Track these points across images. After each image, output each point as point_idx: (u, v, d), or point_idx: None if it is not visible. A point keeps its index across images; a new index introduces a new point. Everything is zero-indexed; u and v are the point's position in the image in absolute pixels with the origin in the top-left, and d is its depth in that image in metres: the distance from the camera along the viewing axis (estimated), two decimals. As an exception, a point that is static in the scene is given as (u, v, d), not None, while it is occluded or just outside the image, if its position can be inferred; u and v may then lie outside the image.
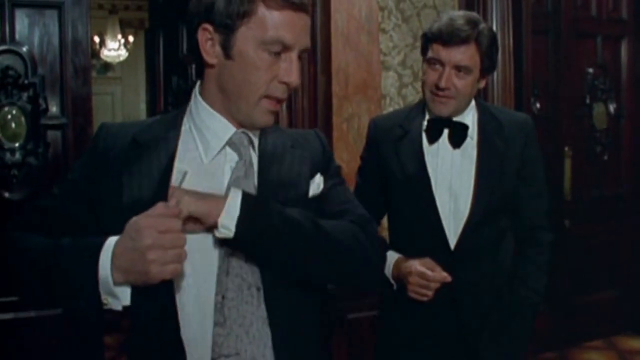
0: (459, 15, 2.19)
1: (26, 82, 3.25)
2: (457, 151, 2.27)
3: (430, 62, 2.21)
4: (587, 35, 4.77)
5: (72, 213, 1.46)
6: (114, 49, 10.78)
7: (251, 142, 1.50)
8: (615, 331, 4.83)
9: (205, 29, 1.38)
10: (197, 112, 1.48)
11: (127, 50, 10.93)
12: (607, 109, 4.86)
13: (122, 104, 12.09)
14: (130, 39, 10.93)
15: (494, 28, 3.73)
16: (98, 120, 2.04)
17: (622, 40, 4.90)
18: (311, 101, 3.46)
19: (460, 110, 2.26)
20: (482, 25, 2.18)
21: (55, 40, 3.33)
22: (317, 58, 3.46)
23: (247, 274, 1.41)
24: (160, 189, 1.38)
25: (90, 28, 3.45)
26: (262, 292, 1.42)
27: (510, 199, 2.31)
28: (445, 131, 2.27)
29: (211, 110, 1.46)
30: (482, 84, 2.28)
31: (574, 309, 4.61)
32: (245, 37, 1.36)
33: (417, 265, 2.18)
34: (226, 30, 1.36)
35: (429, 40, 2.21)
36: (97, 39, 10.39)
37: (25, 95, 3.26)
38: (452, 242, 2.25)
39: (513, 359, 2.34)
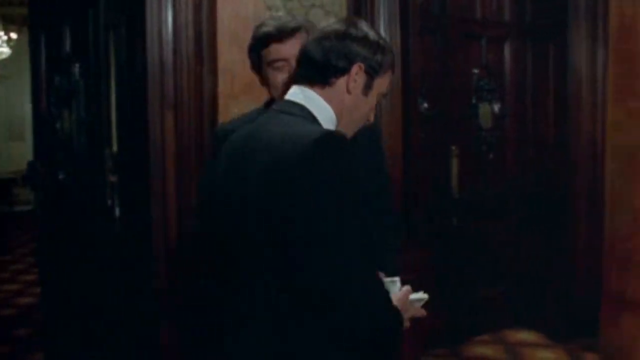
0: None
1: None
2: None
3: None
4: (473, 37, 4.88)
5: None
6: (-5, 47, 10.27)
7: None
8: (502, 325, 4.96)
9: (359, 67, 1.71)
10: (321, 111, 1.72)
11: (10, 47, 10.42)
12: (492, 108, 5.00)
13: (7, 105, 11.57)
14: (13, 36, 10.42)
15: (382, 28, 3.76)
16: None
17: (505, 42, 5.03)
18: (197, 101, 3.38)
19: None
20: None
21: None
22: (203, 57, 3.37)
23: None
24: None
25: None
26: None
27: None
28: None
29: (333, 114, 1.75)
30: None
31: (462, 305, 4.71)
32: (378, 85, 1.77)
33: None
34: (374, 74, 1.74)
35: None
36: (-24, 36, 9.87)
37: None
38: None
39: None
